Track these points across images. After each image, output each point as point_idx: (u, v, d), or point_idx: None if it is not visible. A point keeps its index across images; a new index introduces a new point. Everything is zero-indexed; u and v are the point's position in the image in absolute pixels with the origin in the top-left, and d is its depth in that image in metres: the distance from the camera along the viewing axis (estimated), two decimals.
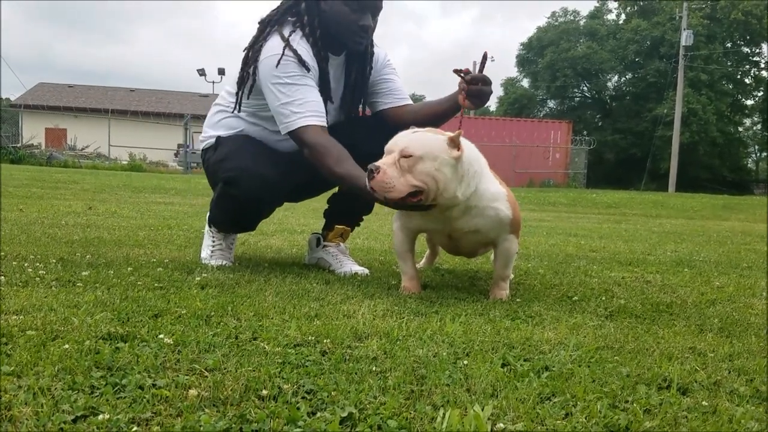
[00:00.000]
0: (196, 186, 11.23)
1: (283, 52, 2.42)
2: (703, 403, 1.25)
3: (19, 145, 22.36)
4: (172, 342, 1.47)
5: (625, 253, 4.32)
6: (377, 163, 2.07)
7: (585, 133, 33.85)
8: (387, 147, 2.14)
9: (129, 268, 2.46)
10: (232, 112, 2.65)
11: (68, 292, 2.00)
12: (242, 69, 2.56)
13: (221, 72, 33.14)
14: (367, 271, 2.73)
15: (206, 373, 1.30)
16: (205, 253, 2.77)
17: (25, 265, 2.41)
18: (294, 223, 5.23)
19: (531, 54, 43.27)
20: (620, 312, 2.17)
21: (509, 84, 44.88)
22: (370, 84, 2.74)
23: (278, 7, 2.60)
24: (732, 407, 1.24)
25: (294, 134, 2.44)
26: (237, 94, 2.60)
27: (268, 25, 2.53)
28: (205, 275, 2.38)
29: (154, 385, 1.21)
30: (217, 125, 2.69)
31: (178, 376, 1.27)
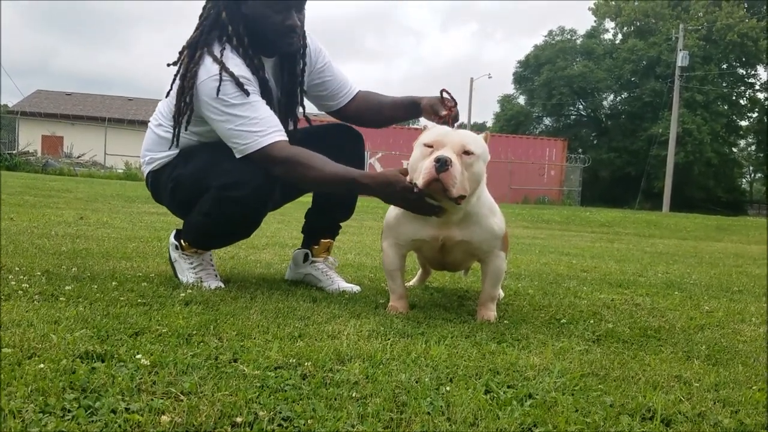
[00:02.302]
0: None
1: (221, 73, 2.30)
2: None
3: (15, 152, 22.31)
4: (149, 363, 1.44)
5: (616, 273, 4.31)
6: (447, 155, 2.01)
7: (580, 150, 33.97)
8: (436, 139, 2.08)
9: (114, 283, 2.43)
10: (169, 148, 2.51)
11: (50, 306, 1.97)
12: (178, 99, 2.39)
13: None
14: (357, 288, 2.71)
15: (182, 397, 1.27)
16: (188, 277, 2.58)
17: (10, 277, 2.39)
18: (287, 236, 5.19)
19: (528, 72, 43.46)
20: (608, 336, 2.15)
21: (506, 101, 45.05)
22: (311, 86, 2.68)
23: (199, 24, 2.44)
24: None
25: (258, 154, 2.32)
26: (174, 127, 2.45)
27: (197, 48, 2.38)
28: (190, 291, 2.35)
29: (127, 409, 1.18)
30: (166, 143, 2.52)
31: (152, 399, 1.24)
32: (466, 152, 2.06)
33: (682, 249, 7.88)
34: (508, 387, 1.48)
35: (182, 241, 2.60)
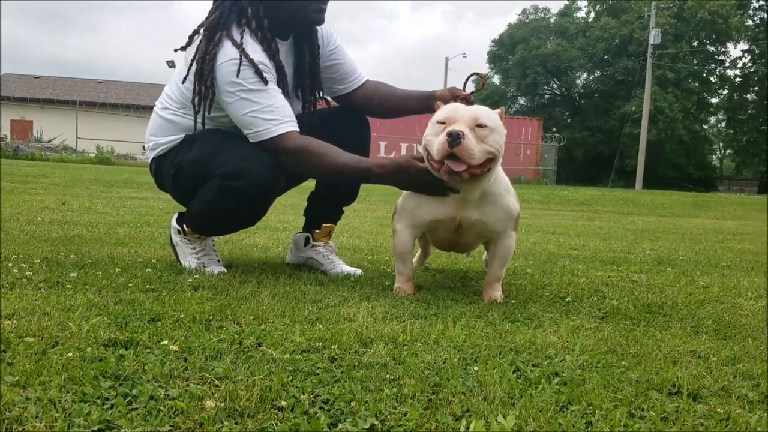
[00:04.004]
0: None
1: (241, 58, 2.28)
2: (718, 410, 1.25)
3: None
4: (177, 349, 1.43)
5: (605, 251, 4.36)
6: (459, 129, 2.02)
7: (555, 130, 34.18)
8: (448, 115, 2.10)
9: (117, 269, 2.40)
10: (194, 130, 2.45)
11: (59, 294, 1.94)
12: (198, 82, 2.35)
13: None
14: (360, 271, 2.71)
15: (217, 382, 1.27)
16: (190, 262, 2.56)
17: (10, 265, 2.35)
18: (274, 220, 5.17)
19: (502, 51, 43.51)
20: (614, 313, 2.18)
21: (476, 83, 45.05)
22: (323, 68, 2.65)
23: (216, 5, 2.41)
24: (745, 414, 1.25)
25: (270, 143, 2.31)
26: (195, 109, 2.39)
27: (216, 30, 2.35)
28: (197, 276, 2.34)
29: (167, 396, 1.17)
30: (172, 127, 2.50)
31: (188, 385, 1.24)
32: (479, 125, 2.07)
33: (662, 226, 8.00)
34: (533, 366, 1.50)
35: (184, 225, 2.57)
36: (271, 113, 2.30)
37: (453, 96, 2.43)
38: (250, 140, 2.34)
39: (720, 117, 44.64)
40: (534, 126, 25.49)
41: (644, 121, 31.24)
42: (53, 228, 3.73)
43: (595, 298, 2.44)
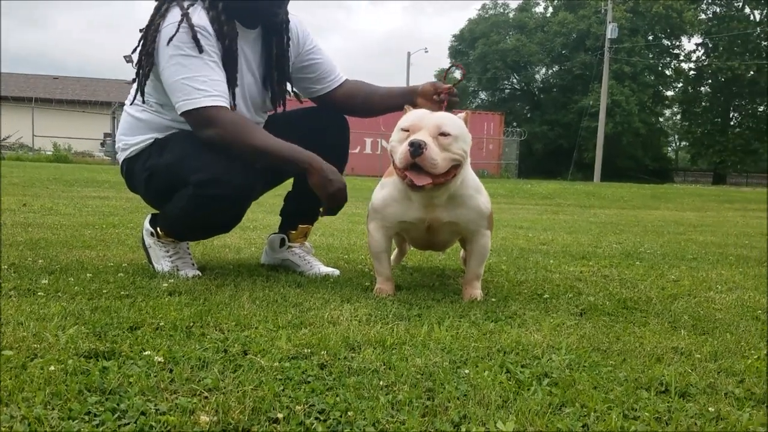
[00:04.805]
0: None
1: (181, 20, 2.21)
2: (709, 408, 1.27)
3: None
4: (162, 359, 1.40)
5: (573, 245, 4.41)
6: (421, 138, 2.00)
7: (515, 124, 34.59)
8: (412, 123, 2.08)
9: (88, 274, 2.34)
10: (131, 103, 2.42)
11: (31, 302, 1.88)
12: (140, 52, 2.30)
13: None
14: (337, 272, 2.68)
15: (206, 394, 1.24)
16: (163, 265, 2.50)
17: None
18: (245, 219, 5.09)
19: (463, 46, 43.76)
20: (592, 309, 2.20)
21: (442, 75, 45.20)
22: (298, 68, 2.61)
23: None
24: (735, 411, 1.26)
25: (197, 113, 2.21)
26: (136, 81, 2.34)
27: (164, 2, 2.30)
28: (172, 281, 2.29)
29: (157, 410, 1.14)
30: (142, 126, 2.44)
31: (177, 398, 1.20)
32: (443, 134, 2.06)
33: (624, 218, 8.13)
34: (522, 367, 1.50)
35: (158, 228, 2.52)
36: (205, 84, 2.22)
37: (436, 90, 2.42)
38: (178, 110, 2.26)
39: (675, 110, 45.67)
40: (496, 121, 25.72)
41: (602, 115, 31.74)
42: (17, 231, 3.62)
43: (571, 294, 2.46)
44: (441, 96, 2.41)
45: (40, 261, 2.60)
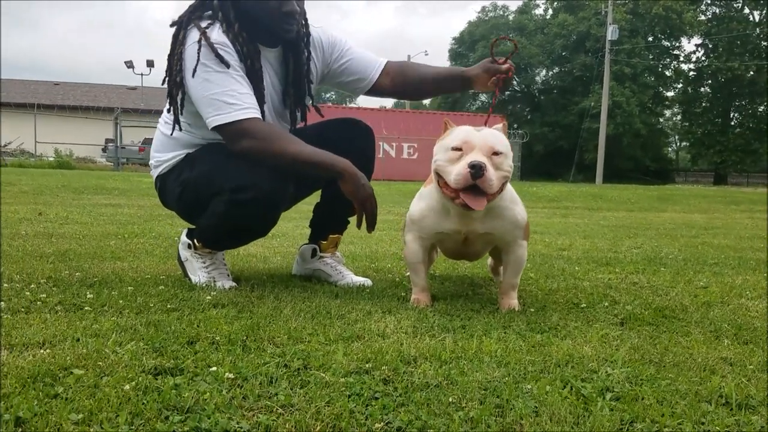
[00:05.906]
0: (138, 185, 10.89)
1: (200, 40, 2.24)
2: None
3: None
4: (232, 376, 1.41)
5: (593, 251, 4.43)
6: (480, 161, 2.01)
7: (516, 126, 34.64)
8: (462, 142, 2.07)
9: (129, 288, 2.35)
10: (171, 133, 2.46)
11: (80, 318, 1.90)
12: (169, 83, 2.36)
13: (150, 64, 32.19)
14: (369, 281, 2.70)
15: (281, 410, 1.25)
16: (199, 277, 2.52)
17: (18, 286, 2.28)
18: None
19: (463, 48, 43.86)
20: (632, 319, 2.21)
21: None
22: (336, 74, 2.64)
23: (190, 6, 2.40)
24: None
25: (231, 126, 2.24)
26: (170, 110, 2.40)
27: (182, 27, 2.33)
28: (214, 293, 2.30)
29: (240, 428, 1.16)
30: (174, 143, 2.49)
31: (255, 415, 1.22)
32: (495, 153, 2.08)
33: (634, 221, 8.15)
34: (583, 381, 1.51)
35: (195, 240, 2.54)
36: (233, 97, 2.25)
37: (491, 74, 2.45)
38: (209, 125, 2.28)
39: (675, 110, 45.75)
40: (498, 123, 25.69)
41: (603, 116, 31.80)
42: (41, 242, 3.63)
43: (606, 303, 2.47)
44: (497, 78, 2.43)
45: (77, 274, 2.61)
